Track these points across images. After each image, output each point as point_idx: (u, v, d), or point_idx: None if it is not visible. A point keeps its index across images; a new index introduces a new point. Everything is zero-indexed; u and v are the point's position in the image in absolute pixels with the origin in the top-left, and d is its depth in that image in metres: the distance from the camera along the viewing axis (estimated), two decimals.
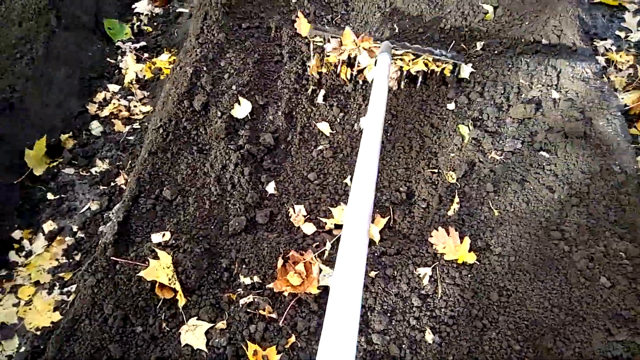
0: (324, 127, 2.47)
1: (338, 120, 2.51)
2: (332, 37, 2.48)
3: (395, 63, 2.49)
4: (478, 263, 1.99)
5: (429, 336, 1.85)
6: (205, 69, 2.45)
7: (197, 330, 1.89)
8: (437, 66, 2.50)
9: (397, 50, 2.44)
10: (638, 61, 3.02)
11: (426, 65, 2.49)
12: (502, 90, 2.47)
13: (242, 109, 2.36)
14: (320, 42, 2.57)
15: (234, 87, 2.43)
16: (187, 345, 1.86)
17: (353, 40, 2.43)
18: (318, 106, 2.54)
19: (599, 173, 2.09)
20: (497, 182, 2.19)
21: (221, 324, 1.91)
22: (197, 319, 1.92)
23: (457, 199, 2.17)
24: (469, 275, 1.95)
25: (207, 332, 1.89)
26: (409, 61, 2.49)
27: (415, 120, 2.45)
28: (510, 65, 2.54)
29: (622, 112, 2.69)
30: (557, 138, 2.25)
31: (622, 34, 3.22)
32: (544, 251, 1.97)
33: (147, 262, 1.94)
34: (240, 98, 2.40)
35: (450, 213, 2.14)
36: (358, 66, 2.49)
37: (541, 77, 2.47)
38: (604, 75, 2.63)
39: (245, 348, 1.84)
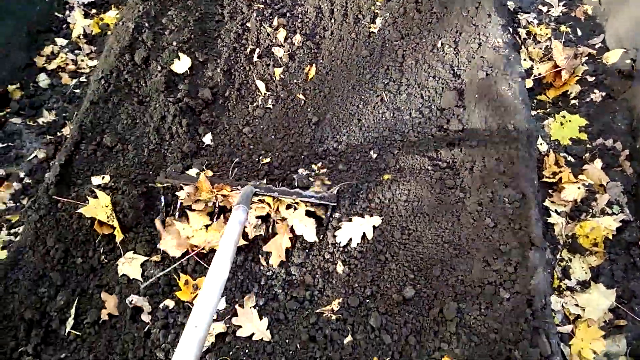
0: (261, 85, 2.66)
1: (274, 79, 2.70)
2: (183, 184, 2.20)
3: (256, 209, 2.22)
4: (387, 207, 2.26)
5: (340, 267, 2.13)
6: (146, 24, 2.59)
7: (133, 262, 2.12)
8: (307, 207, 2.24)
9: (259, 194, 2.18)
10: (555, 35, 3.32)
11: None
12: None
13: (181, 64, 2.53)
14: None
15: (174, 43, 2.58)
16: (124, 275, 2.08)
17: (209, 190, 2.17)
18: (256, 64, 2.72)
19: (496, 130, 2.38)
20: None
21: (155, 257, 2.13)
22: (133, 253, 2.13)
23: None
24: (380, 218, 2.23)
25: (142, 264, 2.11)
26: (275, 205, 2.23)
27: None
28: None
29: (534, 79, 3.01)
30: (468, 98, 2.53)
31: (545, 9, 3.51)
32: (443, 197, 2.27)
33: (87, 202, 2.12)
34: (180, 54, 2.56)
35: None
36: None
37: (462, 45, 2.73)
38: (515, 45, 2.90)
39: (177, 278, 2.07)
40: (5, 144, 2.68)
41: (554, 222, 2.49)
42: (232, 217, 1.81)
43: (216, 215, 2.18)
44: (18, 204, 2.48)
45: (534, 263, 1.99)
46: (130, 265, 2.11)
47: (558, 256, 2.41)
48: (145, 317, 2.00)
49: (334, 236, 2.18)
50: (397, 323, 1.95)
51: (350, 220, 2.22)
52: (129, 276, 2.08)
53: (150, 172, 2.33)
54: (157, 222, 2.14)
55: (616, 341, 2.17)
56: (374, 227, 2.21)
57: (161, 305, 2.03)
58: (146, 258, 2.12)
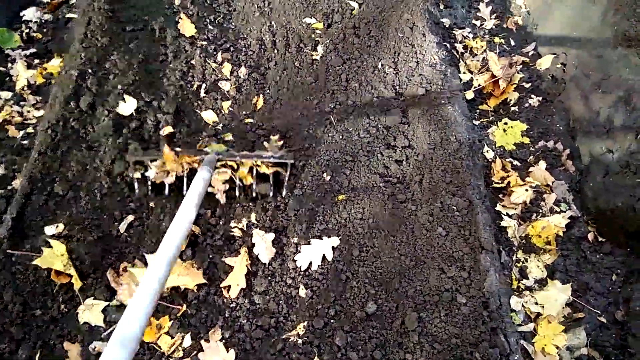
0: (209, 115, 2.71)
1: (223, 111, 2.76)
2: (151, 160, 2.37)
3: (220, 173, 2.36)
4: (344, 227, 2.32)
5: (302, 291, 2.16)
6: (90, 71, 2.61)
7: (93, 308, 2.09)
8: (267, 167, 2.41)
9: (222, 160, 2.36)
10: (490, 46, 3.50)
11: (255, 169, 2.40)
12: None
13: (127, 106, 2.55)
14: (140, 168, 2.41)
15: (119, 87, 2.61)
16: (85, 322, 2.06)
17: (173, 160, 2.32)
18: (203, 99, 2.77)
19: (439, 143, 2.48)
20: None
21: (116, 302, 2.11)
22: (93, 299, 2.11)
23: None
24: (338, 238, 2.28)
25: (103, 310, 2.09)
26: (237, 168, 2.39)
27: None
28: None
29: (475, 91, 3.15)
30: (412, 115, 2.63)
31: (478, 23, 3.70)
32: (396, 212, 2.34)
33: (41, 252, 2.10)
34: (125, 96, 2.58)
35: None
36: None
37: (401, 64, 2.85)
38: (452, 60, 3.05)
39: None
40: None
41: (507, 225, 2.59)
42: (197, 175, 2.09)
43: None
44: None
45: (485, 266, 2.07)
46: (90, 312, 2.08)
47: (514, 258, 2.50)
48: None
49: (294, 260, 2.21)
50: (362, 339, 1.99)
51: (309, 243, 2.26)
52: (90, 323, 2.06)
53: (105, 217, 2.32)
54: (109, 275, 2.14)
55: (576, 334, 2.26)
56: (332, 247, 2.25)
57: None
58: (107, 303, 2.10)
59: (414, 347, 1.94)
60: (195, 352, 2.00)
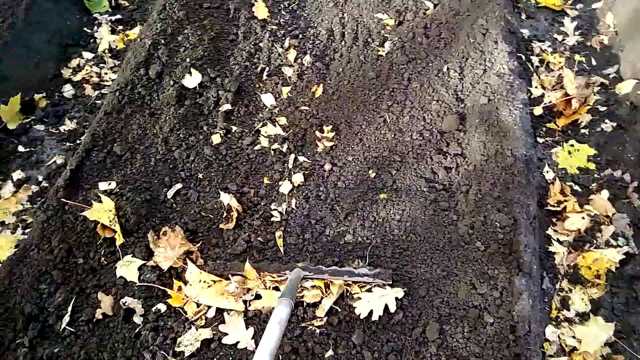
0: (268, 98, 2.77)
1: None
2: (232, 274, 2.15)
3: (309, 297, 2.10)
4: (381, 226, 2.29)
5: None
6: (162, 41, 2.74)
7: (131, 265, 2.20)
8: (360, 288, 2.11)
9: (308, 277, 2.10)
10: (568, 63, 3.31)
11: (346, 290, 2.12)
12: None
13: (192, 79, 2.66)
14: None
15: (187, 60, 2.72)
16: (121, 277, 2.18)
17: (256, 277, 2.13)
18: (265, 82, 2.83)
19: (493, 155, 2.39)
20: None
21: (152, 262, 2.22)
22: (132, 257, 2.23)
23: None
24: (373, 236, 2.26)
25: (139, 268, 2.20)
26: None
27: None
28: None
29: (544, 107, 3.00)
30: (469, 123, 2.55)
31: (560, 37, 3.50)
32: (435, 219, 2.28)
33: (91, 205, 2.24)
34: (192, 69, 2.69)
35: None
36: None
37: (467, 70, 2.77)
38: (523, 72, 2.91)
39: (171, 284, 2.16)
40: (28, 149, 2.85)
41: (555, 251, 2.45)
42: (274, 315, 1.71)
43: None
44: (34, 205, 2.62)
45: (519, 289, 1.98)
46: (127, 268, 2.19)
47: (558, 286, 2.37)
48: (137, 319, 2.08)
49: None
50: (380, 341, 1.97)
51: None
52: (125, 278, 2.17)
53: (155, 181, 2.44)
54: (150, 236, 2.23)
55: None
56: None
57: (153, 309, 2.10)
58: (143, 262, 2.21)
59: (431, 358, 1.90)
60: (216, 323, 2.06)
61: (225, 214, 2.35)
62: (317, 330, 2.01)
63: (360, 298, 2.06)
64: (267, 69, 2.88)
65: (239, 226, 2.34)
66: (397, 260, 2.19)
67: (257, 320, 2.06)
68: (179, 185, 2.46)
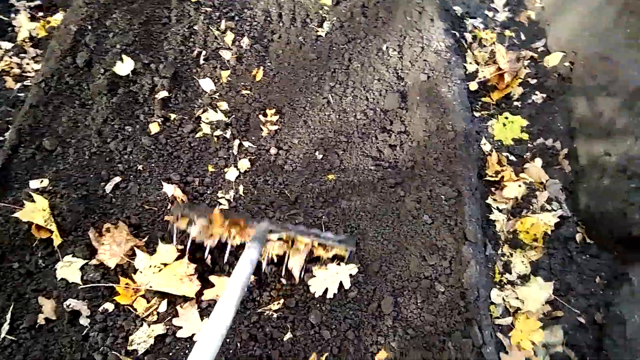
0: (207, 83, 2.68)
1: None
2: (197, 217, 2.04)
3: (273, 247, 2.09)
4: (331, 206, 2.30)
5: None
6: (89, 27, 2.57)
7: (72, 266, 2.08)
8: (325, 251, 2.10)
9: (274, 233, 2.04)
10: (500, 39, 3.43)
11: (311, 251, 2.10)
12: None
13: (124, 66, 2.52)
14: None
15: (118, 46, 2.57)
16: (62, 279, 2.05)
17: (221, 224, 2.04)
18: (202, 66, 2.74)
19: (435, 131, 2.45)
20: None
21: (95, 261, 2.11)
22: (72, 256, 2.10)
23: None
24: (324, 217, 2.26)
25: (81, 268, 2.09)
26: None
27: None
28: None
29: (479, 82, 3.10)
30: (411, 100, 2.59)
31: (491, 14, 3.62)
32: (384, 196, 2.32)
33: (23, 205, 2.09)
34: (123, 56, 2.55)
35: None
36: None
37: (406, 48, 2.80)
38: (458, 49, 2.99)
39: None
40: None
41: (496, 219, 2.57)
42: (245, 255, 1.77)
43: (188, 254, 2.08)
44: None
45: (467, 257, 2.05)
46: (68, 269, 2.07)
47: (499, 252, 2.48)
48: (84, 321, 1.98)
49: None
50: (337, 319, 1.98)
51: None
52: (67, 280, 2.05)
53: (91, 176, 2.31)
54: (91, 234, 2.12)
55: (553, 332, 2.25)
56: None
57: (100, 309, 2.00)
58: (85, 261, 2.09)
59: (388, 331, 1.94)
60: (169, 317, 2.00)
61: (169, 205, 2.27)
62: (274, 315, 1.99)
63: (315, 276, 2.07)
64: (204, 52, 2.78)
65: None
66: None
67: (211, 311, 2.01)
68: (117, 179, 2.34)
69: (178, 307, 2.01)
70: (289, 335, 1.94)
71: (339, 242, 2.06)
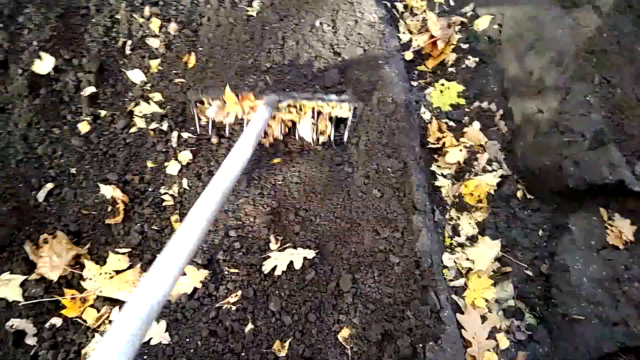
0: (136, 74, 2.54)
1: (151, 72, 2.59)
2: (212, 99, 2.33)
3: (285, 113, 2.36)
4: (280, 191, 2.27)
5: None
6: (1, 25, 2.37)
7: (10, 283, 1.95)
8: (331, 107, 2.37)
9: (284, 101, 2.32)
10: (429, 6, 3.45)
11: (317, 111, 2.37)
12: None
13: (44, 64, 2.35)
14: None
15: (34, 43, 2.39)
16: (2, 298, 1.92)
17: (235, 102, 2.28)
18: (129, 57, 2.59)
19: (376, 104, 2.45)
20: None
21: (35, 275, 1.98)
22: (10, 273, 1.97)
23: None
24: (273, 202, 2.23)
25: (21, 284, 1.96)
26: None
27: None
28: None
29: (414, 51, 3.12)
30: (349, 75, 2.57)
31: None
32: (332, 175, 2.31)
33: None
34: (42, 53, 2.37)
35: None
36: None
37: (340, 23, 2.76)
38: (391, 19, 3.00)
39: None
40: None
41: (441, 185, 2.63)
42: (257, 114, 2.07)
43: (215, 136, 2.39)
44: None
45: (418, 226, 2.09)
46: (7, 287, 1.94)
47: (447, 216, 2.55)
48: (31, 340, 1.87)
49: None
50: (297, 303, 1.98)
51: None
52: (7, 299, 1.93)
53: (21, 185, 2.15)
54: (27, 247, 1.99)
55: (504, 287, 2.36)
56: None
57: (47, 325, 1.90)
58: (25, 277, 1.97)
59: (348, 308, 1.96)
60: None
61: (110, 207, 2.17)
62: (233, 307, 1.96)
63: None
64: (130, 42, 2.63)
65: (128, 218, 2.17)
66: (301, 222, 2.19)
67: (167, 312, 1.96)
68: (49, 185, 2.20)
69: None
70: (250, 326, 1.92)
71: (341, 101, 2.34)
